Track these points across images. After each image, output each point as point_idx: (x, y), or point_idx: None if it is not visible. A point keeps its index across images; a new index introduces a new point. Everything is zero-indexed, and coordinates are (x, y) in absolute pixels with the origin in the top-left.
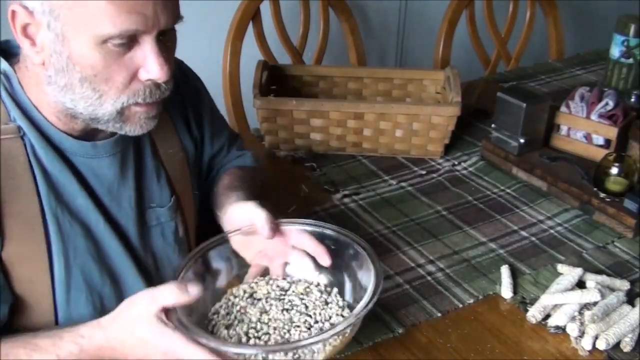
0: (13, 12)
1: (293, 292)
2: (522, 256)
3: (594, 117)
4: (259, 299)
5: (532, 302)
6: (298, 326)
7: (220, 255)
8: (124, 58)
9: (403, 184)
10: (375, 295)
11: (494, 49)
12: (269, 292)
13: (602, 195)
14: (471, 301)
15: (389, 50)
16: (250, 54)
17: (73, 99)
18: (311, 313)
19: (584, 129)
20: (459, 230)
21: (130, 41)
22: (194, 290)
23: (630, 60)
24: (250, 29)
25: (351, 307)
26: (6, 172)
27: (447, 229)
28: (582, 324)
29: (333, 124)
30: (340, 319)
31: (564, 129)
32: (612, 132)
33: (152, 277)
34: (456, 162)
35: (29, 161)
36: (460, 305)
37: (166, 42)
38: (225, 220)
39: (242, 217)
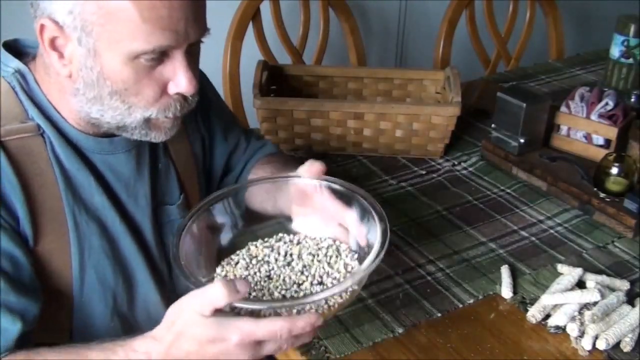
0: (42, 25)
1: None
2: (522, 256)
3: (594, 117)
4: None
5: (532, 302)
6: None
7: (224, 210)
8: (154, 72)
9: (403, 184)
10: (382, 251)
11: (494, 49)
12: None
13: (602, 195)
14: (471, 301)
15: (389, 50)
16: (250, 54)
17: (101, 110)
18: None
19: (584, 129)
20: (459, 230)
21: (161, 56)
22: (243, 288)
23: (630, 60)
24: (250, 29)
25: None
26: (32, 169)
27: (447, 229)
28: (582, 324)
29: (333, 124)
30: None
31: (564, 129)
32: (612, 132)
33: (164, 275)
34: (456, 162)
35: (50, 159)
36: (460, 305)
37: (192, 53)
38: (283, 203)
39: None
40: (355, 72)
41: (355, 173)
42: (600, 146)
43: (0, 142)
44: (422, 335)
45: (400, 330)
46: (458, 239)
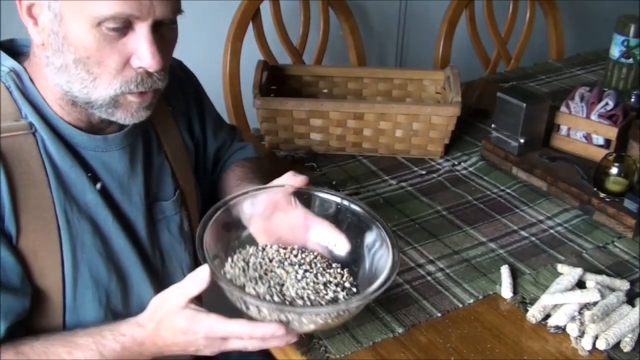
0: None
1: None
2: (522, 256)
3: (594, 117)
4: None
5: (532, 302)
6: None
7: (244, 209)
8: (117, 43)
9: (403, 184)
10: (389, 280)
11: (494, 49)
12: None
13: (602, 195)
14: (471, 301)
15: (389, 50)
16: (250, 54)
17: (69, 81)
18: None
19: (584, 129)
20: (459, 230)
21: (125, 27)
22: (203, 275)
23: (630, 60)
24: (250, 29)
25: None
26: (20, 166)
27: (447, 229)
28: (582, 324)
29: (333, 124)
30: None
31: (564, 129)
32: (612, 132)
33: (158, 272)
34: (456, 162)
35: (41, 157)
36: (460, 305)
37: (163, 34)
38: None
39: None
40: (355, 72)
41: (355, 173)
42: (600, 146)
43: None
44: (422, 335)
45: (400, 330)
46: (458, 239)
